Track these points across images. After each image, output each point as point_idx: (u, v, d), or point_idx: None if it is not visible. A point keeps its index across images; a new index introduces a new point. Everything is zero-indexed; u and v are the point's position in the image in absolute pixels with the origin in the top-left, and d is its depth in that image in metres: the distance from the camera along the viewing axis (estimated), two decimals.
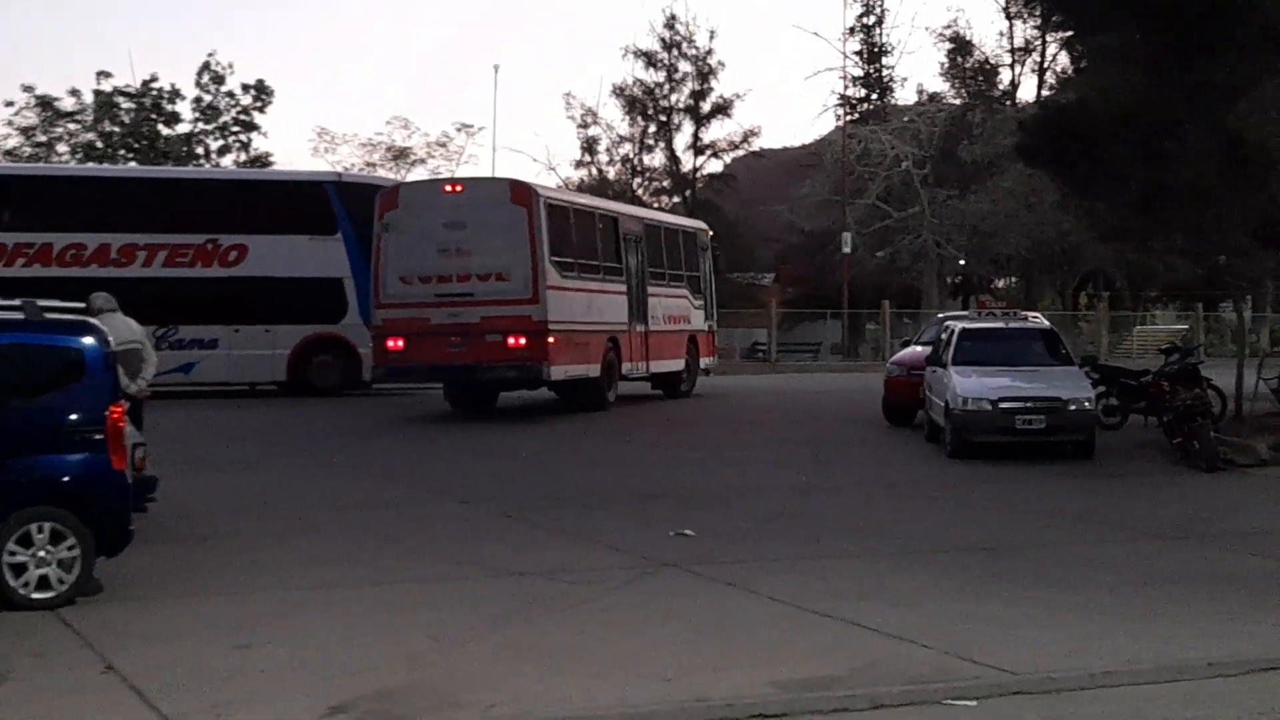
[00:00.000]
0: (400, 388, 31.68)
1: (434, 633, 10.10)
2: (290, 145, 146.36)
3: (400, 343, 26.46)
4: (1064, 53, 53.81)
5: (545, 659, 9.44)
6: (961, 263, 61.45)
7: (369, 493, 17.81)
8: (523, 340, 25.57)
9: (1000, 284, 68.37)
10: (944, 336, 23.88)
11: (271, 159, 59.54)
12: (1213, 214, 22.01)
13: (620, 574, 12.40)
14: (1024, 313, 30.03)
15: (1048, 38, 59.92)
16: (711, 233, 36.45)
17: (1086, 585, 12.04)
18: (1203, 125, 20.52)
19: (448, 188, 28.00)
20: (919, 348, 27.00)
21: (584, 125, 66.68)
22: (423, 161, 62.36)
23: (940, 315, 32.62)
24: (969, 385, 21.25)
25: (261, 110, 59.58)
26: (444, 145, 62.87)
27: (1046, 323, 26.97)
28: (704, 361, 34.18)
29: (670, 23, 65.71)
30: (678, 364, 32.47)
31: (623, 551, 13.60)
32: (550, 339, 25.71)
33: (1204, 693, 8.82)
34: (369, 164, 60.83)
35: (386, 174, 57.73)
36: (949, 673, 9.10)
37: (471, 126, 63.99)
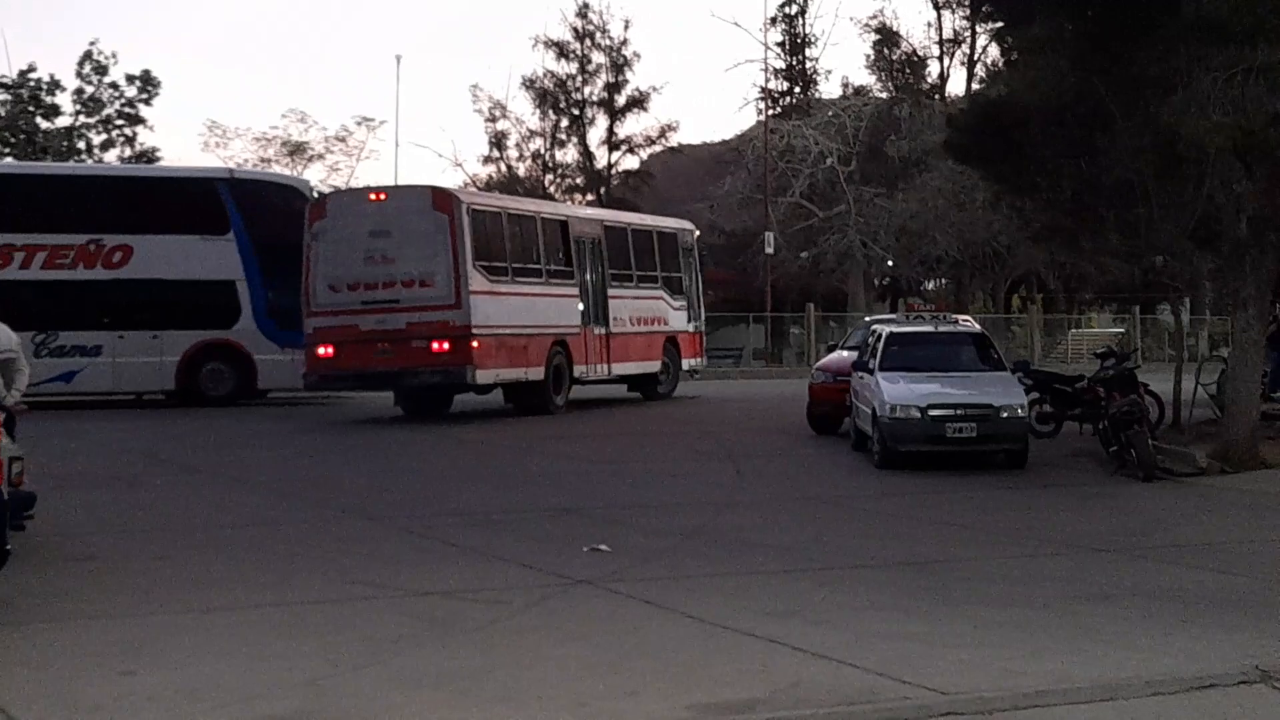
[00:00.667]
0: (297, 396, 32.63)
1: (332, 657, 10.01)
2: (179, 140, 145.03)
3: (330, 350, 28.03)
4: (994, 45, 54.48)
5: (449, 684, 9.38)
6: (889, 264, 61.90)
7: (263, 509, 17.66)
8: (446, 345, 27.11)
9: (930, 286, 68.97)
10: (871, 341, 24.04)
11: (159, 154, 59.15)
12: (1147, 213, 22.27)
13: (530, 593, 12.35)
14: (954, 316, 30.27)
15: (977, 29, 60.69)
16: (698, 233, 37.40)
17: (1019, 601, 12.12)
18: (1136, 120, 20.77)
19: (372, 196, 29.34)
20: (845, 353, 27.18)
21: (492, 119, 66.75)
22: (321, 157, 62.18)
23: (867, 319, 32.86)
24: (897, 392, 21.37)
25: (148, 102, 59.17)
26: (343, 140, 62.73)
27: (977, 326, 27.21)
28: (689, 363, 35.03)
29: (583, 11, 65.93)
30: (651, 366, 33.75)
31: (533, 569, 13.55)
32: (474, 343, 27.12)
33: (1141, 712, 8.89)
34: (264, 160, 60.55)
35: (282, 170, 57.44)
36: (877, 694, 9.12)
37: (373, 120, 63.86)
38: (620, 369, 32.67)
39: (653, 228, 36.27)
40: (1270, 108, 18.27)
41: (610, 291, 32.23)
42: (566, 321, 30.47)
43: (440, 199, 28.07)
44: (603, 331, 31.85)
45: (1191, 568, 13.94)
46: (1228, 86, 18.47)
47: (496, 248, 28.60)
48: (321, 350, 28.17)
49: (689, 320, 35.72)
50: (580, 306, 31.08)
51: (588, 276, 31.65)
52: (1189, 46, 19.23)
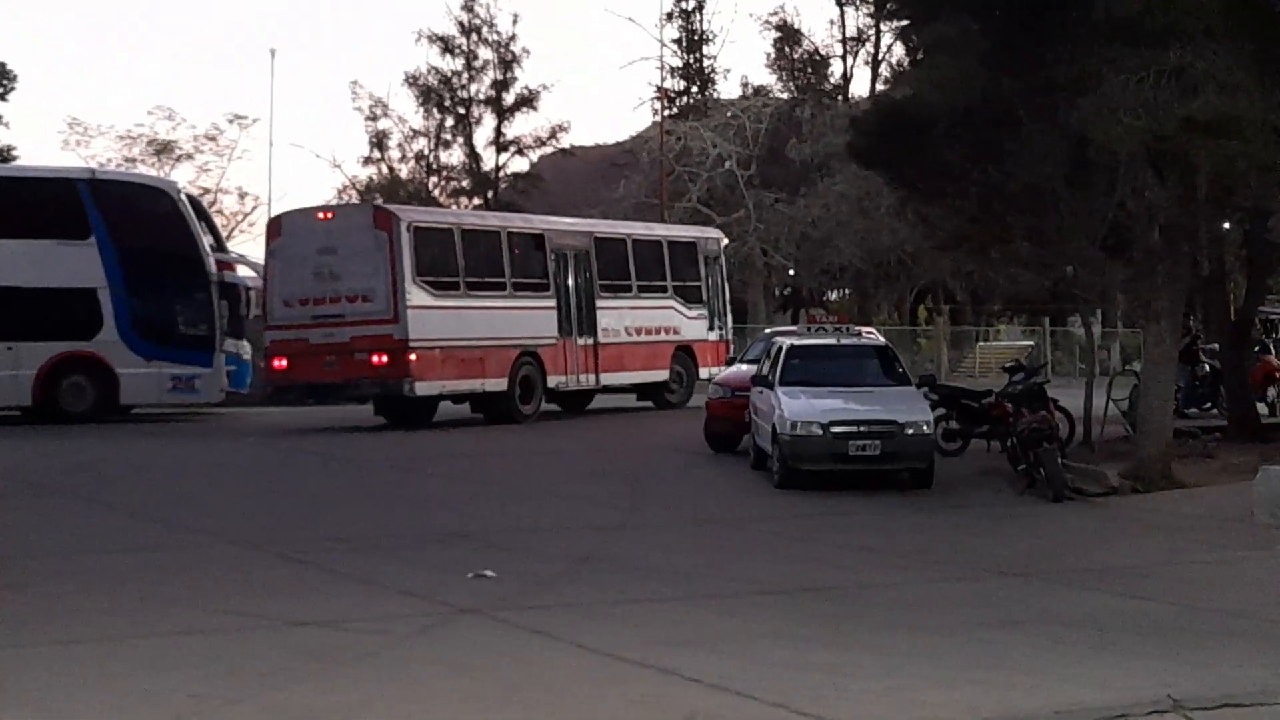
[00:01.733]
0: (164, 412, 32.58)
1: (200, 692, 9.90)
2: (37, 138, 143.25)
3: (284, 362, 30.95)
4: (899, 44, 54.99)
5: None
6: (791, 272, 62.24)
7: (127, 534, 17.47)
8: (385, 358, 29.64)
9: (833, 296, 69.41)
10: (770, 354, 24.13)
11: (14, 153, 58.21)
12: (1057, 221, 22.53)
13: (413, 622, 12.29)
14: (857, 328, 30.46)
15: (882, 27, 61.17)
16: (725, 241, 38.85)
17: (924, 629, 12.22)
18: (1046, 124, 20.99)
19: (320, 215, 32.02)
20: (744, 367, 27.29)
21: (373, 118, 66.39)
22: (190, 157, 61.53)
23: (767, 330, 33.05)
24: (797, 408, 21.46)
25: (3, 98, 58.27)
26: (214, 139, 62.06)
27: (882, 339, 27.43)
28: (710, 372, 35.39)
29: (469, 5, 65.75)
30: (655, 375, 35.55)
31: (417, 597, 13.50)
32: (411, 356, 29.58)
33: None
34: (128, 159, 59.79)
35: (148, 170, 56.85)
36: None
37: (245, 118, 63.15)
38: (612, 379, 34.35)
39: (663, 237, 38.20)
40: (1183, 112, 18.53)
41: (600, 303, 34.31)
42: (537, 333, 32.64)
43: (380, 217, 30.82)
44: (589, 342, 33.97)
45: (1103, 592, 14.12)
46: (1139, 89, 18.70)
47: (445, 263, 30.98)
48: (276, 362, 31.09)
49: (710, 329, 37.30)
50: (556, 318, 33.07)
51: (569, 288, 33.73)
52: (1100, 48, 19.46)
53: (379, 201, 33.25)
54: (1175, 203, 21.56)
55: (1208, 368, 31.26)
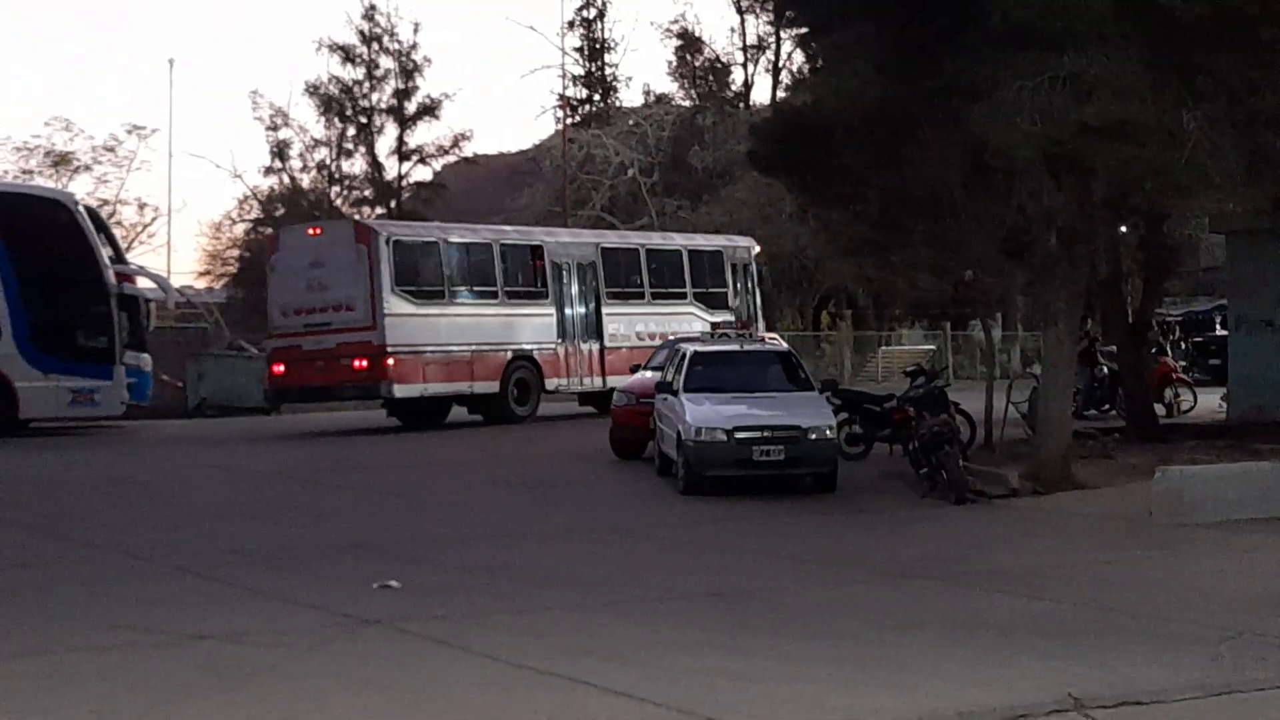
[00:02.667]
0: (65, 426, 32.39)
1: (99, 709, 9.76)
2: None
3: (282, 367, 33.69)
4: (799, 51, 55.22)
5: None
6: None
7: (22, 549, 17.19)
8: (365, 362, 31.97)
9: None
10: (675, 361, 24.15)
11: None
12: (956, 225, 22.68)
13: (316, 634, 12.19)
14: (760, 334, 30.56)
15: (782, 35, 61.40)
16: (758, 249, 39.92)
17: (828, 633, 12.26)
18: (943, 129, 21.14)
19: (310, 231, 35.08)
20: (649, 373, 27.29)
21: (273, 127, 65.86)
22: (88, 168, 60.81)
23: (671, 337, 33.13)
24: (702, 414, 21.49)
25: None
26: (112, 150, 61.35)
27: (784, 344, 27.50)
28: None
29: (369, 14, 65.38)
30: None
31: (320, 609, 13.38)
32: (389, 360, 31.83)
33: None
34: (25, 171, 58.98)
35: (46, 182, 56.15)
36: None
37: (144, 128, 62.50)
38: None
39: (683, 246, 39.43)
40: (1078, 117, 18.69)
41: (607, 309, 36.31)
42: (534, 338, 34.92)
43: (360, 231, 33.52)
44: (594, 347, 36.00)
45: (1005, 593, 14.21)
46: (1035, 95, 18.85)
47: (429, 274, 33.52)
48: (275, 368, 33.96)
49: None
50: (555, 324, 35.23)
51: (571, 295, 35.88)
52: (996, 54, 19.60)
53: (359, 217, 37.23)
54: (1072, 207, 21.75)
55: (1106, 370, 31.57)
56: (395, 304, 32.21)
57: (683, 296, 37.91)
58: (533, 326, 35.08)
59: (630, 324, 36.78)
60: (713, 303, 38.09)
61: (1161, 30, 19.12)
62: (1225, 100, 19.14)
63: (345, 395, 34.21)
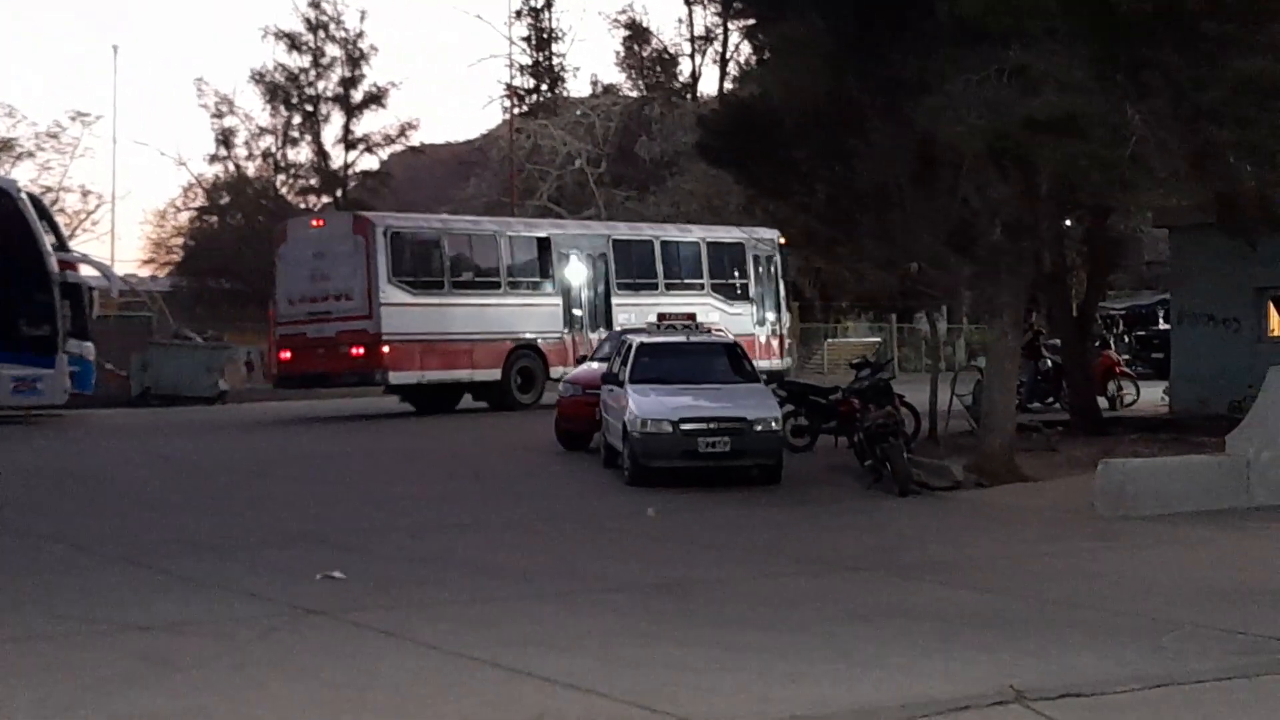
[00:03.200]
0: (6, 414, 32.06)
1: (39, 697, 9.69)
2: None
3: (289, 354, 35.25)
4: (747, 43, 55.21)
5: None
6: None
7: None
8: (362, 350, 33.33)
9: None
10: (621, 352, 24.14)
11: None
12: (903, 218, 22.74)
13: (259, 625, 12.12)
14: (707, 325, 30.59)
15: (730, 26, 61.43)
16: (783, 240, 39.73)
17: (773, 624, 12.27)
18: (891, 122, 21.19)
19: (313, 223, 36.95)
20: (595, 364, 27.28)
21: (219, 115, 65.50)
22: (31, 155, 60.45)
23: (618, 328, 33.16)
24: (648, 405, 21.49)
25: None
26: (55, 136, 61.03)
27: (731, 336, 27.51)
28: (764, 364, 36.64)
29: (316, 2, 65.07)
30: None
31: (263, 599, 13.33)
32: (384, 348, 33.16)
33: None
34: None
35: None
36: None
37: (88, 115, 62.20)
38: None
39: (701, 238, 40.15)
40: (1024, 111, 18.77)
41: (616, 299, 37.36)
42: (537, 327, 36.16)
43: (358, 224, 34.73)
44: (602, 335, 35.80)
45: (948, 585, 14.25)
46: (982, 89, 18.92)
47: (427, 264, 34.89)
48: (282, 355, 35.55)
49: (756, 324, 39.30)
50: (560, 313, 36.40)
51: (578, 286, 37.06)
52: (944, 47, 19.66)
53: (359, 212, 38.34)
54: (1018, 200, 21.86)
55: (1050, 363, 31.72)
56: (391, 293, 33.42)
57: (700, 287, 38.70)
58: (537, 316, 36.26)
59: (643, 314, 36.29)
60: (731, 293, 39.16)
61: (1106, 25, 19.20)
62: (1169, 95, 19.25)
63: (345, 382, 35.35)
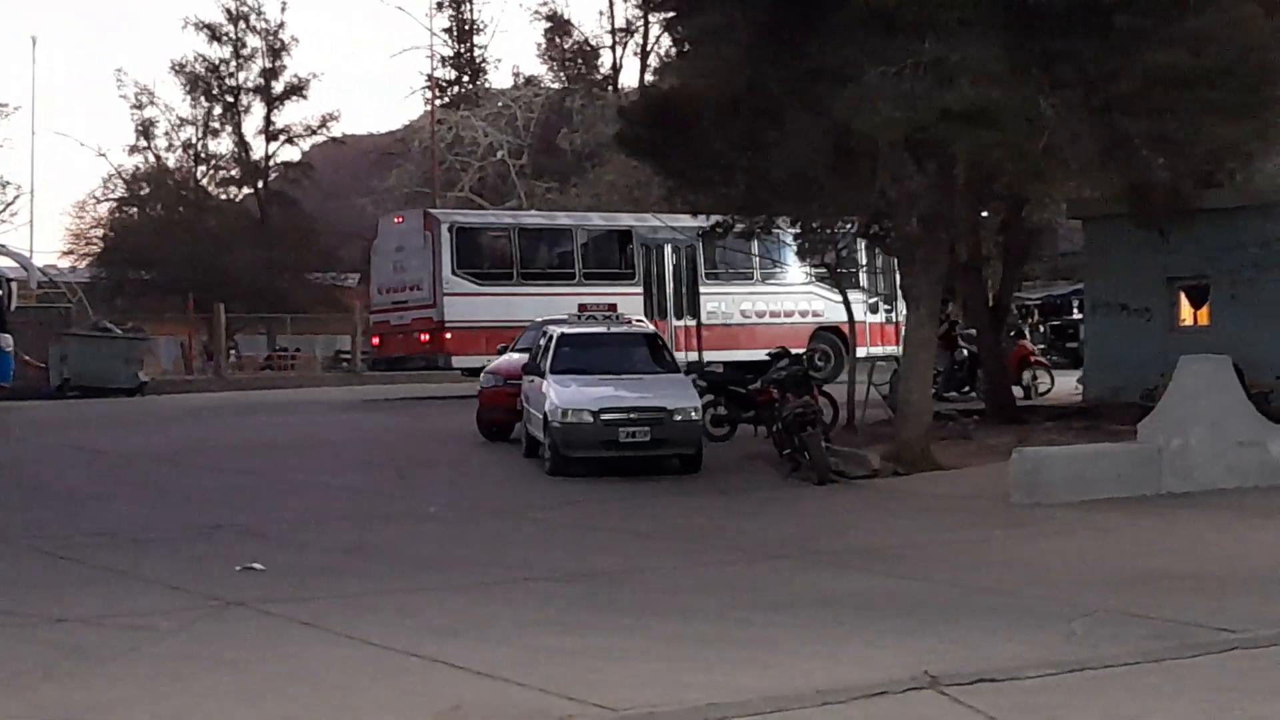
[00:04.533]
0: None
1: None
2: None
3: (377, 340, 38.65)
4: (667, 35, 55.20)
5: (83, 719, 9.08)
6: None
7: None
8: (427, 336, 35.59)
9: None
10: (542, 342, 24.10)
11: None
12: (821, 208, 22.81)
13: (178, 617, 12.05)
14: (627, 316, 30.57)
15: (650, 18, 61.32)
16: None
17: (691, 612, 12.30)
18: (808, 113, 21.21)
19: (395, 219, 39.39)
20: (516, 355, 27.17)
21: (139, 106, 64.85)
22: None
23: (539, 319, 33.14)
24: (568, 395, 21.48)
25: None
26: None
27: (651, 327, 27.53)
28: (879, 349, 37.16)
29: None
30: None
31: (182, 591, 13.25)
32: (447, 334, 35.21)
33: None
34: None
35: None
36: (544, 712, 9.14)
37: (5, 106, 61.42)
38: (719, 355, 37.22)
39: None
40: (940, 102, 18.84)
41: (704, 289, 38.03)
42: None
43: (427, 220, 36.77)
44: (689, 324, 37.74)
45: (865, 572, 14.32)
46: (898, 80, 18.98)
47: (493, 257, 37.04)
48: (373, 340, 39.17)
49: (868, 310, 39.17)
50: (640, 303, 36.92)
51: (662, 277, 37.99)
52: (860, 38, 19.71)
53: (428, 209, 39.86)
54: (934, 191, 21.96)
55: (966, 352, 31.91)
56: (455, 284, 35.49)
57: (802, 277, 39.10)
58: (616, 305, 36.94)
59: (734, 303, 38.38)
60: (840, 282, 39.13)
61: (1020, 17, 19.36)
62: (1082, 87, 19.42)
63: (417, 365, 37.09)
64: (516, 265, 36.98)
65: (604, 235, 38.64)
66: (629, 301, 36.88)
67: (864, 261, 39.44)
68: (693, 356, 35.80)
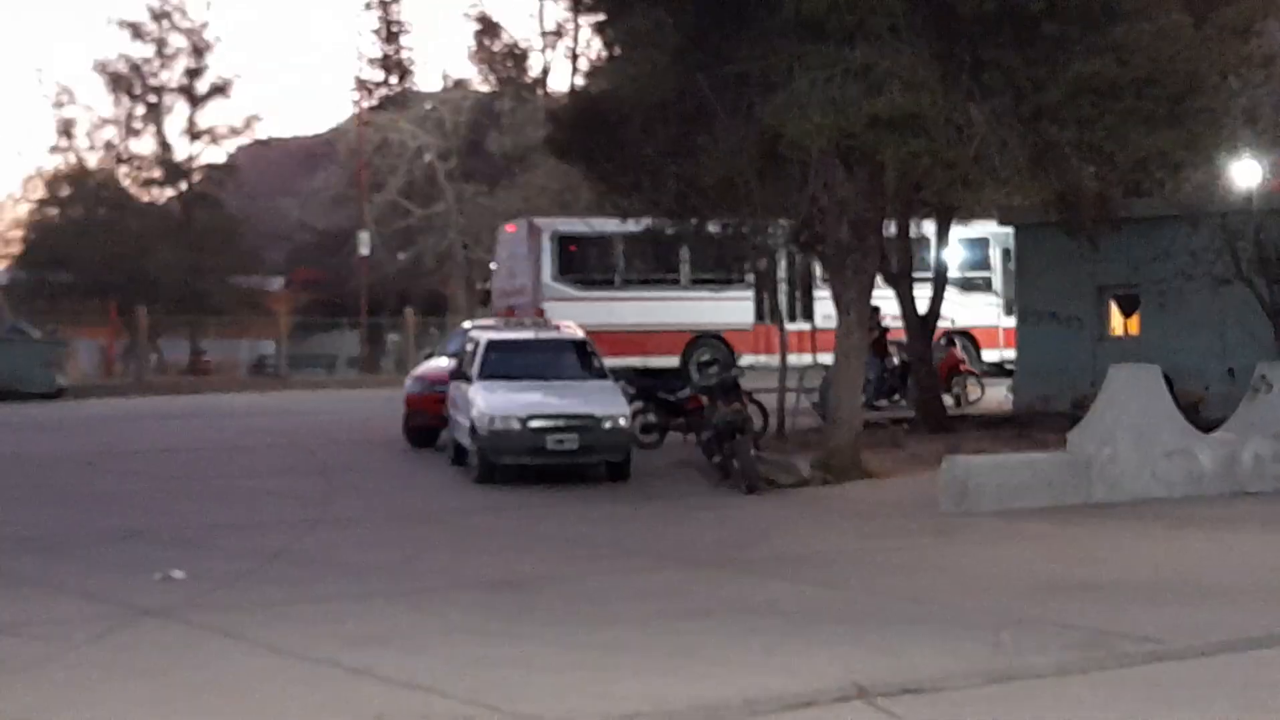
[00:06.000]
0: None
1: None
2: None
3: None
4: (597, 38, 55.18)
5: None
6: (492, 266, 62.08)
7: None
8: None
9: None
10: (469, 348, 24.02)
11: None
12: (750, 214, 22.83)
13: (93, 625, 11.93)
14: (556, 322, 30.54)
15: (580, 21, 61.33)
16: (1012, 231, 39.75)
17: (618, 620, 12.27)
18: (738, 118, 21.25)
19: (509, 228, 41.60)
20: (443, 361, 27.08)
21: (59, 105, 64.26)
22: None
23: (466, 324, 33.02)
24: (496, 402, 21.41)
25: None
26: None
27: (581, 333, 27.49)
28: (1012, 353, 36.34)
29: None
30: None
31: (97, 599, 13.13)
32: None
33: None
34: None
35: None
36: None
37: None
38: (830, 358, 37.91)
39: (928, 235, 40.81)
40: (869, 109, 18.91)
41: (819, 293, 38.07)
42: (723, 319, 38.94)
43: (530, 229, 39.05)
44: (804, 327, 38.11)
45: (793, 581, 14.34)
46: (828, 86, 19.05)
47: (595, 263, 38.94)
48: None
49: (1004, 313, 40.05)
50: (750, 305, 38.90)
51: (774, 280, 38.62)
52: (790, 44, 19.77)
53: (534, 219, 41.37)
54: (864, 198, 22.03)
55: (896, 360, 32.02)
56: (554, 288, 37.65)
57: (926, 281, 39.33)
58: (724, 309, 38.97)
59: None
60: (969, 286, 40.33)
61: (950, 25, 19.46)
62: (1011, 95, 19.52)
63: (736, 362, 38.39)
64: (619, 271, 38.82)
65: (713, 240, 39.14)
66: (739, 306, 39.07)
67: (998, 265, 40.83)
68: (806, 359, 35.83)
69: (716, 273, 38.88)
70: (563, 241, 38.63)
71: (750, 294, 39.07)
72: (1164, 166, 22.33)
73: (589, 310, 35.91)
